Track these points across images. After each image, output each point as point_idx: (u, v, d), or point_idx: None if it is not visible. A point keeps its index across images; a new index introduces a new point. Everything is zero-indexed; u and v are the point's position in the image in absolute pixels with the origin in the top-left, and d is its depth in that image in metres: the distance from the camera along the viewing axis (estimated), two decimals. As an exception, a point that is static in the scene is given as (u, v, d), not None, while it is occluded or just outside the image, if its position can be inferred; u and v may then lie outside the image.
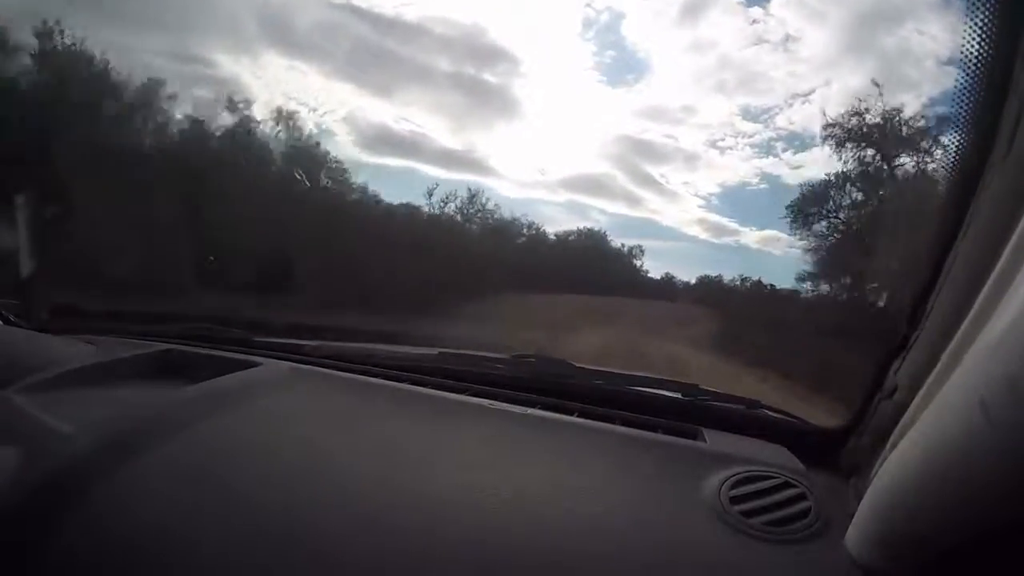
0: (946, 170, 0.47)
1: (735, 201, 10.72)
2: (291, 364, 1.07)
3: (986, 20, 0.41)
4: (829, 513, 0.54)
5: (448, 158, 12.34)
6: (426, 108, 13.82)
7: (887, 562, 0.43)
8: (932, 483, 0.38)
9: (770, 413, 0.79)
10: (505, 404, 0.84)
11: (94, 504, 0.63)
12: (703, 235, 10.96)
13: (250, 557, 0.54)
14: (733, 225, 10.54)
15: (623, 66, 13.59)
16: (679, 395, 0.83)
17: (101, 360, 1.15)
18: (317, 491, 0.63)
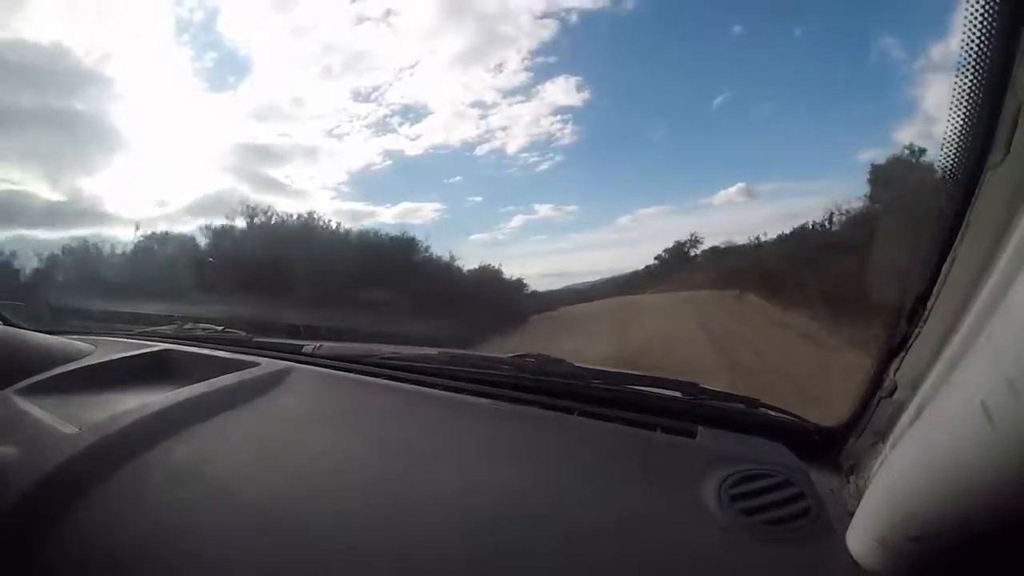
0: (945, 171, 0.47)
1: (364, 183, 10.14)
2: (290, 364, 1.07)
3: (984, 21, 0.41)
4: (829, 512, 0.54)
5: (54, 215, 9.35)
6: (16, 158, 10.20)
7: (887, 561, 0.43)
8: (932, 482, 0.38)
9: (769, 412, 0.79)
10: (505, 403, 0.84)
11: (94, 503, 0.63)
12: (343, 225, 10.07)
13: (250, 555, 0.54)
14: (368, 208, 9.95)
15: (225, 67, 12.02)
16: (678, 394, 0.83)
17: (101, 360, 1.15)
18: (317, 490, 0.63)
